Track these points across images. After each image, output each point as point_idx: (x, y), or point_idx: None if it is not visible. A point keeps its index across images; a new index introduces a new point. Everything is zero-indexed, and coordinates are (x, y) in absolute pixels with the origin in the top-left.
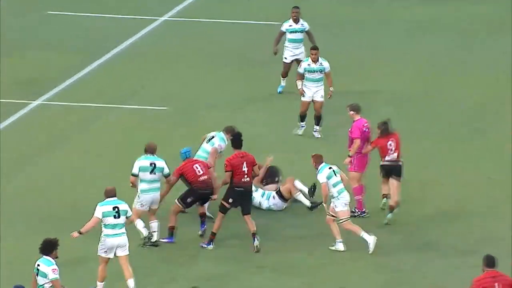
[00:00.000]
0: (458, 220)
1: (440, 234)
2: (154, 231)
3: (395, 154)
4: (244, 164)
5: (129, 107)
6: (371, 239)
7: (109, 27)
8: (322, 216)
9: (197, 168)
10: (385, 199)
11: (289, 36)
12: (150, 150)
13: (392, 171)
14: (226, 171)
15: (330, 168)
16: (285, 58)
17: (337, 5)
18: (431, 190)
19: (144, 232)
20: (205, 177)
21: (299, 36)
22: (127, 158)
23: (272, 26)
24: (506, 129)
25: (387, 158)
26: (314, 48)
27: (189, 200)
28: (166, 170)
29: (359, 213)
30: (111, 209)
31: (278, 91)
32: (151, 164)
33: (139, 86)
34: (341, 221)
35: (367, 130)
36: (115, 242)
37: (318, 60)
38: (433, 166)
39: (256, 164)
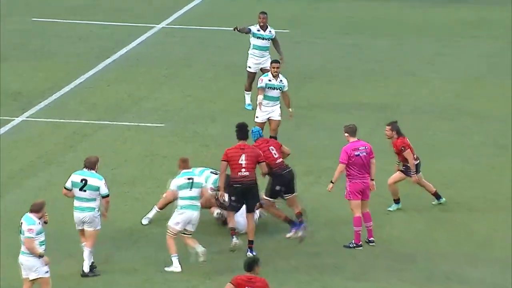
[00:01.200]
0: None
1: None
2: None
3: None
4: (243, 157)
5: (122, 124)
6: (201, 250)
7: (102, 35)
8: None
9: (272, 150)
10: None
11: (255, 42)
12: (87, 164)
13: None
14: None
15: (189, 179)
16: (249, 67)
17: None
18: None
19: None
20: (281, 159)
21: (266, 43)
22: (117, 178)
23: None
24: None
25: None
26: (276, 61)
27: (277, 188)
28: (103, 190)
29: (354, 245)
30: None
31: (247, 108)
32: (82, 180)
33: (133, 99)
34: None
35: (360, 154)
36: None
37: (278, 77)
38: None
39: (262, 160)
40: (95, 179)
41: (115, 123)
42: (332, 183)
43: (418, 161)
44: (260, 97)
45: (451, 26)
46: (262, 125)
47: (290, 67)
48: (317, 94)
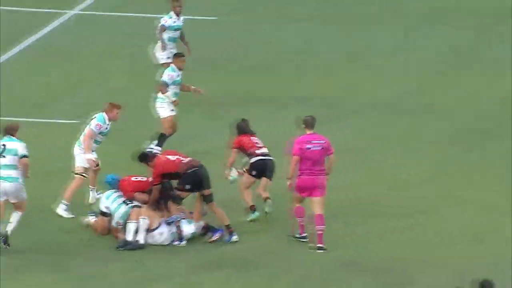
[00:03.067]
0: None
1: None
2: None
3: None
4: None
5: (35, 121)
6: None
7: (11, 20)
8: None
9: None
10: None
11: (170, 34)
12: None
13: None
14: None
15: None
16: (162, 58)
17: None
18: None
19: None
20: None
21: (178, 34)
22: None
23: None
24: None
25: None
26: (182, 55)
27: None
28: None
29: (299, 236)
30: None
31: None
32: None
33: (48, 94)
34: None
35: (312, 148)
36: None
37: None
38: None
39: None
40: (14, 143)
41: (31, 120)
42: (290, 179)
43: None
44: (169, 93)
45: (417, 14)
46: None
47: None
48: (257, 86)
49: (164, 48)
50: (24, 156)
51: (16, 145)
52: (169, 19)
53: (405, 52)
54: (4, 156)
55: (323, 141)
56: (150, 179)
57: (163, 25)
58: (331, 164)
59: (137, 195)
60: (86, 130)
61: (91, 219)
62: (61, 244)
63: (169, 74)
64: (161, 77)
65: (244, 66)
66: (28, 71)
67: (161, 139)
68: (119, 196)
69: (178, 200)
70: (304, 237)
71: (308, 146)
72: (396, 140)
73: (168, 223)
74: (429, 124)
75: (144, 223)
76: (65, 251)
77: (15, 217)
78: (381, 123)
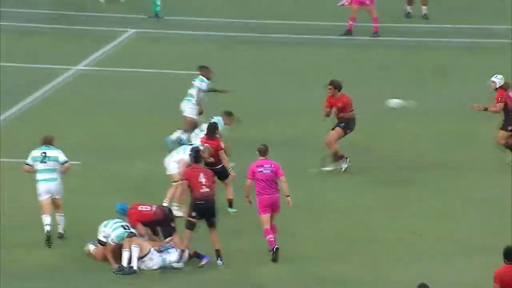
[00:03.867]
0: None
1: None
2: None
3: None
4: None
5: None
6: None
7: (19, 76)
8: None
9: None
10: None
11: (201, 95)
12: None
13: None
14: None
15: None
16: (193, 113)
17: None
18: None
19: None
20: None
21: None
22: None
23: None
24: None
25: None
26: (208, 67)
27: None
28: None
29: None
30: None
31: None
32: (42, 153)
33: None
34: None
35: (263, 171)
36: None
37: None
38: None
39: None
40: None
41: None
42: (247, 197)
43: None
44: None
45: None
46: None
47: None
48: None
49: (199, 106)
50: (66, 162)
51: (55, 153)
52: (203, 83)
53: None
54: (45, 162)
55: (272, 165)
56: (154, 207)
57: (199, 88)
58: (284, 185)
59: (139, 226)
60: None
61: (91, 247)
62: (61, 268)
63: (200, 84)
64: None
65: None
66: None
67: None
68: (118, 222)
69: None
70: (275, 250)
71: (260, 169)
72: None
73: (159, 251)
74: None
75: (135, 250)
76: (65, 275)
77: (60, 219)
78: None
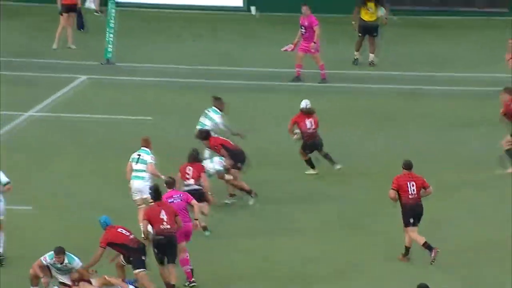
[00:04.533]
0: None
1: None
2: None
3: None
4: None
5: None
6: None
7: None
8: None
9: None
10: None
11: (219, 129)
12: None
13: None
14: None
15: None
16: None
17: None
18: None
19: None
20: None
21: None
22: None
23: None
24: None
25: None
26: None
27: None
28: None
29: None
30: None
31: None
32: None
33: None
34: None
35: (174, 201)
36: None
37: None
38: None
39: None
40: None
41: None
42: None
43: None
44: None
45: None
46: None
47: None
48: None
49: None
50: (7, 183)
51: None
52: (218, 115)
53: None
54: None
55: (181, 195)
56: (132, 236)
57: (216, 122)
58: (196, 209)
59: (100, 251)
60: None
61: None
62: None
63: (214, 115)
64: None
65: None
66: None
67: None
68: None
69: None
70: (192, 282)
71: (170, 200)
72: None
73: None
74: None
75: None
76: None
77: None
78: None
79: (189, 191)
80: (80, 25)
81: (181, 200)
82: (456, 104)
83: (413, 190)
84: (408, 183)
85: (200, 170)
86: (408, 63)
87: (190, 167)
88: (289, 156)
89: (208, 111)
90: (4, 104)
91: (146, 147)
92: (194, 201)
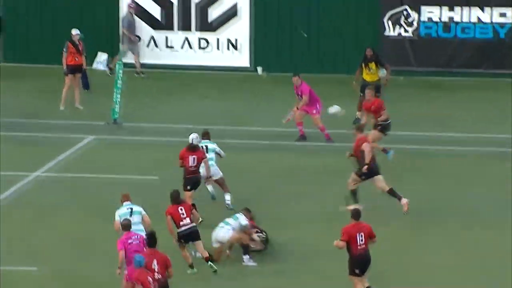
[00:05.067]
0: None
1: None
2: None
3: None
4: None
5: None
6: None
7: None
8: None
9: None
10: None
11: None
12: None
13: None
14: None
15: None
16: None
17: None
18: None
19: None
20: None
21: None
22: None
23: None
24: None
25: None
26: None
27: None
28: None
29: None
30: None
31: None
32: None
33: (12, 239)
34: None
35: (133, 242)
36: None
37: None
38: None
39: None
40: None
41: None
42: (119, 268)
43: None
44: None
45: None
46: None
47: None
48: None
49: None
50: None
51: (213, 146)
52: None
53: None
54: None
55: (138, 236)
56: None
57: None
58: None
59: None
60: None
61: None
62: None
63: (215, 146)
64: None
65: None
66: None
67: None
68: None
69: None
70: None
71: (130, 241)
72: None
73: None
74: None
75: None
76: None
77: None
78: None
79: (189, 230)
80: (85, 85)
81: (139, 242)
82: (461, 163)
83: (362, 240)
84: (358, 234)
85: (190, 208)
86: (413, 123)
87: (181, 207)
88: (301, 216)
89: (211, 143)
90: (11, 165)
91: (129, 201)
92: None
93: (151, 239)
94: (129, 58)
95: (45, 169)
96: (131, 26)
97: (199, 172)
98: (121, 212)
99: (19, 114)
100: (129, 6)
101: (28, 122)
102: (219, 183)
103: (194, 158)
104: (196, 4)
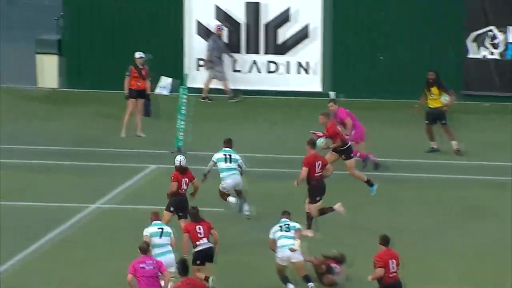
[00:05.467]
0: None
1: None
2: None
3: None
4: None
5: None
6: None
7: (36, 215)
8: None
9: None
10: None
11: None
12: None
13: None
14: None
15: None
16: None
17: None
18: None
19: None
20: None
21: None
22: None
23: None
24: None
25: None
26: None
27: None
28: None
29: None
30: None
31: None
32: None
33: (68, 276)
34: None
35: (146, 267)
36: None
37: None
38: None
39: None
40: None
41: None
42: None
43: None
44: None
45: None
46: None
47: None
48: None
49: None
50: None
51: (237, 156)
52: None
53: None
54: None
55: (154, 261)
56: None
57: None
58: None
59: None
60: None
61: None
62: None
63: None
64: None
65: None
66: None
67: None
68: None
69: None
70: None
71: (142, 265)
72: None
73: None
74: None
75: None
76: None
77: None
78: None
79: (204, 250)
80: (147, 112)
81: (153, 267)
82: None
83: (393, 268)
84: (390, 260)
85: (209, 227)
86: (494, 152)
87: (200, 226)
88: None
89: (234, 154)
90: (70, 195)
91: (159, 220)
92: (166, 273)
93: (183, 267)
94: (193, 82)
95: (106, 200)
96: (216, 50)
97: (185, 196)
98: (151, 231)
99: (78, 142)
100: (217, 29)
101: (87, 151)
102: (240, 193)
103: (185, 181)
104: (266, 25)
